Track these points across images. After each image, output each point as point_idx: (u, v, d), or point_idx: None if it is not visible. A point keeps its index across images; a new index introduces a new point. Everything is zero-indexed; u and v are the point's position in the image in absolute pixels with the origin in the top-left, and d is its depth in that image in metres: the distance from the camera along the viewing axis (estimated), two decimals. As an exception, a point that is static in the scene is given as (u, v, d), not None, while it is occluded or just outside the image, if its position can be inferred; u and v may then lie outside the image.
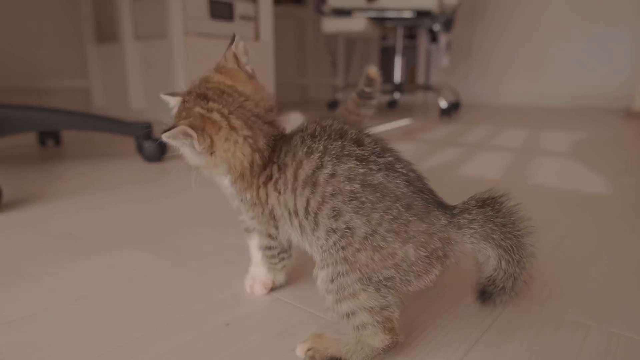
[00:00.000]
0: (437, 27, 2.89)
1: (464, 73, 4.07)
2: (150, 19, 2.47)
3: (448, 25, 2.87)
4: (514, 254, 0.46)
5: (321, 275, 0.45)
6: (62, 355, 0.47)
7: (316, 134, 0.47)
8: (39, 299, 0.59)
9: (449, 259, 0.44)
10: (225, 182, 0.53)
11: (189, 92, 0.49)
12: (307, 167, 0.44)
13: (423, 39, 4.04)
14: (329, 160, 0.44)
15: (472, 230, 0.44)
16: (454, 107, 2.97)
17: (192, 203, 1.02)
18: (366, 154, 0.44)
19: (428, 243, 0.42)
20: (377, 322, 0.43)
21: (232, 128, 0.47)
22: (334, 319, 0.45)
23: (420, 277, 0.43)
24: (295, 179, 0.45)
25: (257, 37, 2.71)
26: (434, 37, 3.07)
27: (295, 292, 0.61)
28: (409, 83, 4.15)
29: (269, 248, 0.56)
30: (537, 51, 3.71)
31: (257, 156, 0.48)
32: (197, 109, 0.46)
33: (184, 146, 0.47)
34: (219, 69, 0.52)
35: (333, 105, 3.33)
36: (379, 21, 2.90)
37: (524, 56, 3.77)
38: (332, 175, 0.43)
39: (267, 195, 0.49)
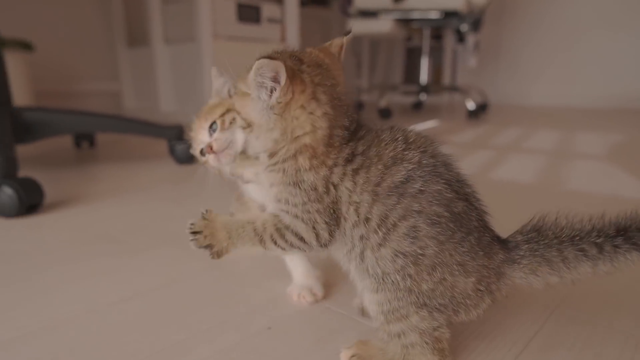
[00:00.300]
0: (464, 27, 2.85)
1: (491, 74, 4.00)
2: (180, 23, 2.51)
3: (476, 25, 2.83)
4: (566, 271, 0.45)
5: (375, 299, 0.43)
6: (108, 358, 0.48)
7: (411, 140, 0.44)
8: (84, 300, 0.60)
9: (500, 292, 0.44)
10: (258, 166, 0.47)
11: (282, 51, 0.46)
12: (398, 175, 0.42)
13: (449, 40, 3.99)
14: (421, 176, 0.41)
15: (522, 266, 0.44)
16: (481, 109, 2.92)
17: (225, 204, 1.03)
18: (453, 180, 0.43)
19: (486, 278, 0.42)
20: (427, 343, 0.42)
21: (315, 98, 0.43)
22: (381, 335, 0.44)
23: (470, 310, 0.43)
24: (381, 181, 0.42)
25: (283, 39, 2.72)
26: (461, 38, 3.03)
27: (334, 296, 0.60)
28: (435, 84, 4.10)
29: (304, 244, 0.45)
30: (569, 51, 3.61)
31: (338, 131, 0.44)
32: (289, 62, 0.43)
33: (260, 90, 0.42)
34: (321, 48, 0.50)
35: (359, 106, 3.32)
36: (405, 22, 2.88)
37: (555, 56, 3.68)
38: (422, 191, 0.41)
39: (341, 179, 0.43)
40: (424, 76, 3.17)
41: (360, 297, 0.51)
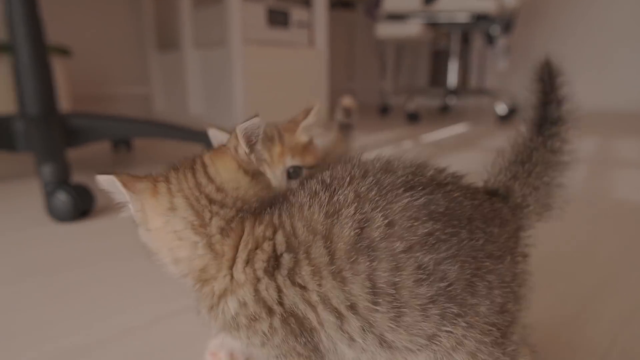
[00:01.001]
0: (495, 30, 2.81)
1: (522, 77, 3.94)
2: (210, 28, 2.55)
3: (508, 27, 2.79)
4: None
5: None
6: (186, 366, 0.49)
7: (329, 182, 0.34)
8: (155, 305, 0.62)
9: (525, 248, 0.37)
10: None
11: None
12: (346, 232, 0.31)
13: (476, 42, 3.95)
14: (373, 208, 0.31)
15: (531, 208, 0.39)
16: (512, 113, 2.88)
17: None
18: (409, 179, 0.34)
19: (513, 248, 0.35)
20: None
21: (172, 206, 0.35)
22: None
23: (521, 292, 0.36)
24: (332, 257, 0.31)
25: (311, 43, 2.73)
26: (490, 40, 2.99)
27: None
28: (463, 88, 4.06)
29: None
30: (603, 55, 3.53)
31: (218, 239, 0.35)
32: (136, 176, 0.39)
33: (126, 212, 0.38)
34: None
35: (385, 110, 3.31)
36: (434, 25, 2.86)
37: (588, 60, 3.60)
38: (389, 224, 0.31)
39: (278, 293, 0.33)
40: (452, 79, 3.14)
41: None
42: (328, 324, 0.32)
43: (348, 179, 0.34)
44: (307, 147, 0.53)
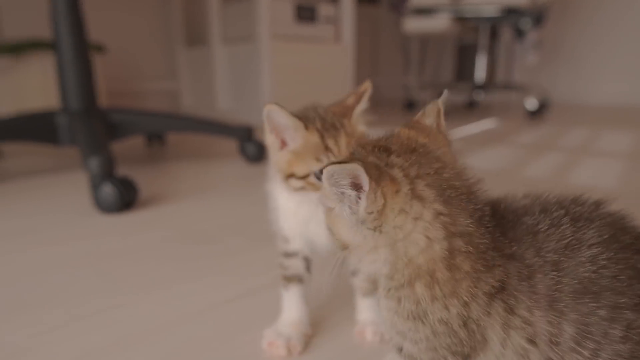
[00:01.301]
0: (525, 23, 2.76)
1: (551, 71, 3.86)
2: (239, 23, 2.57)
3: (539, 21, 2.73)
4: None
5: None
6: (216, 356, 0.50)
7: (577, 214, 0.35)
8: (201, 296, 0.64)
9: None
10: (379, 287, 0.37)
11: (363, 145, 0.36)
12: (580, 271, 0.32)
13: (505, 36, 3.88)
14: (610, 258, 0.32)
15: None
16: (542, 108, 2.83)
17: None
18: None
19: None
20: None
21: (417, 197, 0.32)
22: None
23: None
24: (557, 289, 0.32)
25: (338, 39, 2.73)
26: (520, 34, 2.93)
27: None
28: (490, 82, 4.00)
29: None
30: (636, 49, 3.43)
31: (459, 243, 0.32)
32: (371, 158, 0.34)
33: (340, 204, 0.34)
34: (411, 124, 0.39)
35: (410, 105, 3.29)
36: (462, 20, 2.82)
37: (621, 53, 3.50)
38: (614, 277, 0.32)
39: (487, 315, 0.33)
40: (480, 74, 3.10)
41: None
42: (509, 347, 0.33)
43: (593, 218, 0.35)
44: (363, 137, 0.49)
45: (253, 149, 1.50)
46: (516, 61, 3.83)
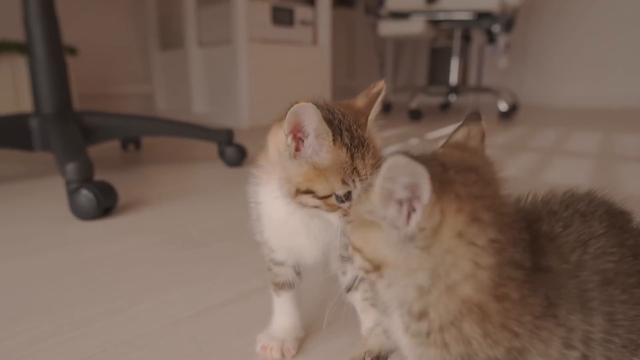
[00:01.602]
0: (496, 27, 2.84)
1: (519, 74, 3.97)
2: (215, 26, 2.55)
3: (509, 25, 2.81)
4: None
5: None
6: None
7: (620, 224, 0.36)
8: (192, 301, 0.63)
9: None
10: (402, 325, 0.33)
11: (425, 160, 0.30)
12: (599, 260, 0.32)
13: (476, 40, 3.98)
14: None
15: None
16: (512, 110, 2.91)
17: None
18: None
19: None
20: None
21: (476, 219, 0.29)
22: None
23: None
24: (585, 290, 0.31)
25: (314, 42, 2.75)
26: (491, 38, 3.01)
27: None
28: (463, 85, 4.09)
29: None
30: (598, 51, 3.57)
31: (508, 270, 0.29)
32: (440, 173, 0.30)
33: (387, 208, 0.29)
34: (458, 145, 0.36)
35: (387, 107, 3.33)
36: (436, 23, 2.88)
37: (584, 56, 3.64)
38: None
39: (535, 337, 0.30)
40: (453, 77, 3.17)
41: None
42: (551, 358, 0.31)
43: (594, 210, 0.35)
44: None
45: (233, 153, 1.49)
46: (487, 64, 3.93)
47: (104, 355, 0.51)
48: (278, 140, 0.43)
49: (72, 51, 2.01)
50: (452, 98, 3.53)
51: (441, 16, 2.73)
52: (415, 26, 2.76)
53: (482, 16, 2.68)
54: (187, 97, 2.79)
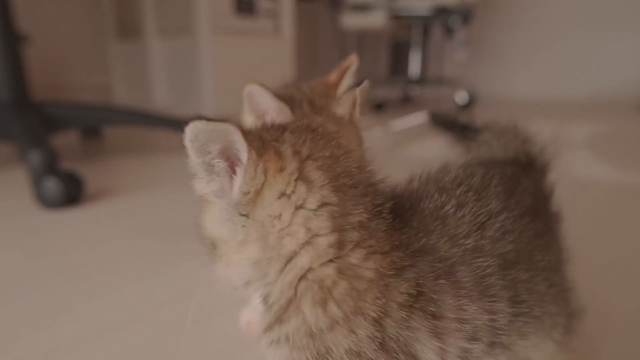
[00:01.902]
0: (455, 21, 2.94)
1: (476, 68, 4.12)
2: (175, 14, 2.50)
3: (466, 19, 2.92)
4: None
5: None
6: (197, 337, 0.52)
7: (480, 191, 0.33)
8: (173, 285, 0.64)
9: None
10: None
11: (263, 126, 0.30)
12: (499, 243, 0.30)
13: (436, 34, 4.09)
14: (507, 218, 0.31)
15: None
16: (471, 101, 3.03)
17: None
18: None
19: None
20: None
21: (304, 179, 0.26)
22: None
23: None
24: (485, 277, 0.28)
25: (278, 33, 2.74)
26: (450, 32, 3.12)
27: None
28: (424, 78, 4.20)
29: None
30: (550, 45, 3.76)
31: (352, 235, 0.26)
32: (261, 133, 0.28)
33: (208, 179, 0.26)
34: (327, 115, 0.36)
35: (350, 100, 3.37)
36: (397, 17, 2.94)
37: (536, 51, 3.82)
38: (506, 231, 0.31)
39: (408, 329, 0.26)
40: (413, 70, 3.25)
41: None
42: (451, 355, 0.28)
43: (490, 184, 0.33)
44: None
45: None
46: (446, 58, 4.05)
47: (87, 338, 0.51)
48: (245, 120, 0.43)
49: (24, 39, 1.92)
50: (413, 91, 3.62)
51: (401, 10, 2.79)
52: (376, 20, 2.82)
53: (441, 10, 2.76)
54: (146, 88, 2.72)
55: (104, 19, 2.85)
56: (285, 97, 0.41)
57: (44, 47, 2.58)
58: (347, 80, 0.45)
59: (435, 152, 1.57)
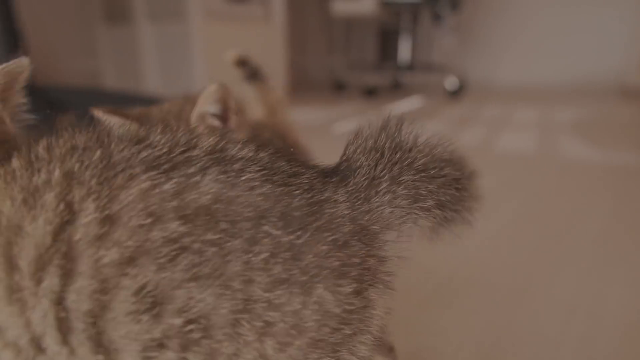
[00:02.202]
0: (443, 8, 2.97)
1: (463, 54, 4.18)
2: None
3: (455, 6, 2.95)
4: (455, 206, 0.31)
5: None
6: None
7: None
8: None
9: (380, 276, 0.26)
10: None
11: None
12: (41, 223, 0.22)
13: (424, 20, 4.12)
14: (87, 193, 0.22)
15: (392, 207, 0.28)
16: (461, 88, 3.08)
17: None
18: (164, 153, 0.24)
19: (347, 265, 0.24)
20: None
21: None
22: None
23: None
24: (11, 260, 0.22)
25: (269, 18, 2.74)
26: (438, 18, 3.15)
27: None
28: (413, 64, 4.24)
29: None
30: (537, 32, 3.83)
31: None
32: None
33: None
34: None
35: (341, 86, 3.40)
36: (386, 4, 2.96)
37: (524, 37, 3.88)
38: (107, 220, 0.22)
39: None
40: (403, 56, 3.28)
41: None
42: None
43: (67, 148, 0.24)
44: None
45: (199, 127, 1.50)
46: (435, 44, 4.09)
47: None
48: None
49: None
50: (402, 77, 3.66)
51: (391, -3, 2.81)
52: (367, 6, 2.83)
53: (430, -3, 2.79)
54: (137, 74, 2.70)
55: (92, 3, 2.81)
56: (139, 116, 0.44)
57: (30, 32, 2.54)
58: (202, 107, 0.48)
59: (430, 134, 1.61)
